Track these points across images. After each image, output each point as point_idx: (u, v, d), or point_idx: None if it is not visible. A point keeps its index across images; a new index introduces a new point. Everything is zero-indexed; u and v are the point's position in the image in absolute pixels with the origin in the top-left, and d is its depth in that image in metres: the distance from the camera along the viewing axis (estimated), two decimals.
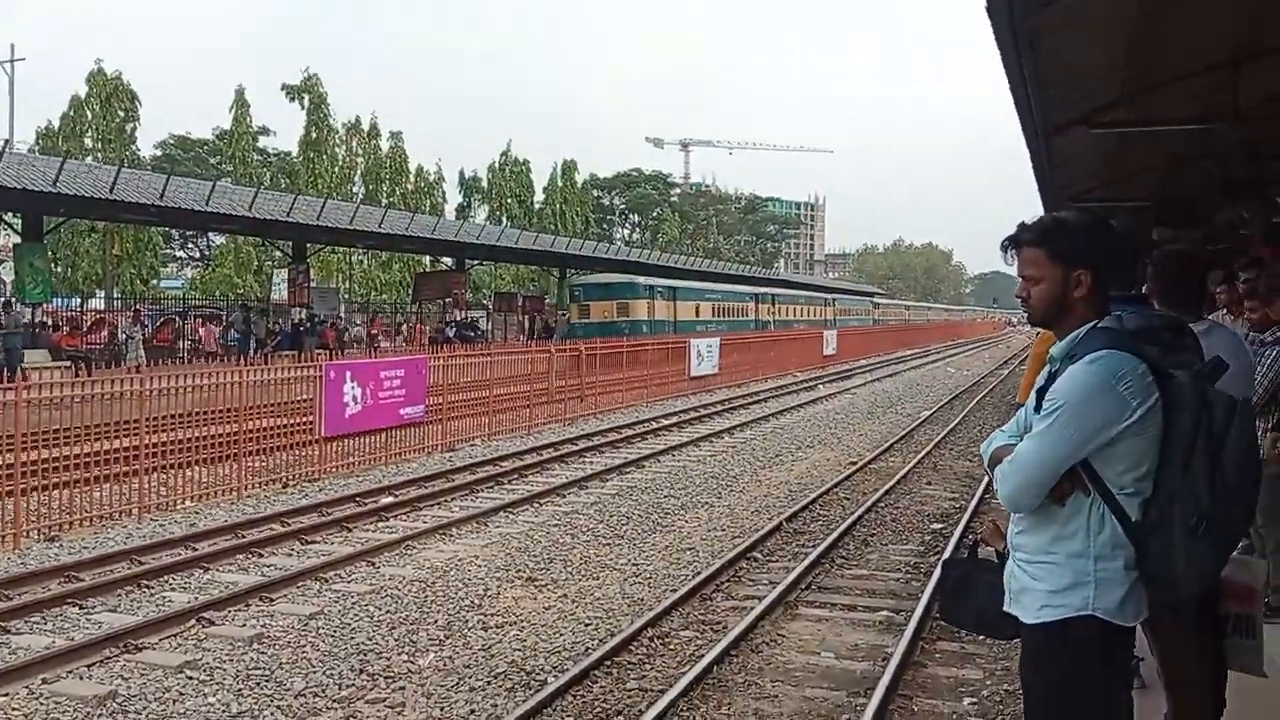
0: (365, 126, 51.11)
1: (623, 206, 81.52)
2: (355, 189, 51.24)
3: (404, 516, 11.37)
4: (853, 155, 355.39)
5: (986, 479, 12.71)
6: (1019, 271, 2.62)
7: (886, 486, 12.89)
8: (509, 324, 41.92)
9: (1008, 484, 2.53)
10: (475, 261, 44.05)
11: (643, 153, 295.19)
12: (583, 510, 11.75)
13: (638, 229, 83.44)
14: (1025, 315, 2.77)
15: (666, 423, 20.44)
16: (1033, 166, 12.26)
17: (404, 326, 37.95)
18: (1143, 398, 2.39)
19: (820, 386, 30.59)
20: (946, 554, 8.97)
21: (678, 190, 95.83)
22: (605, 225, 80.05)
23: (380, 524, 11.01)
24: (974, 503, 11.61)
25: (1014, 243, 2.63)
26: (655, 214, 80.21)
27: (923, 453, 16.11)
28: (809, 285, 67.94)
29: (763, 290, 48.53)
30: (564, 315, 39.75)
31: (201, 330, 28.82)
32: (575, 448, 16.76)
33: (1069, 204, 15.32)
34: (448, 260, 41.78)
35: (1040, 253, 2.56)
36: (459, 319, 37.56)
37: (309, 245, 32.45)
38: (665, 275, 42.98)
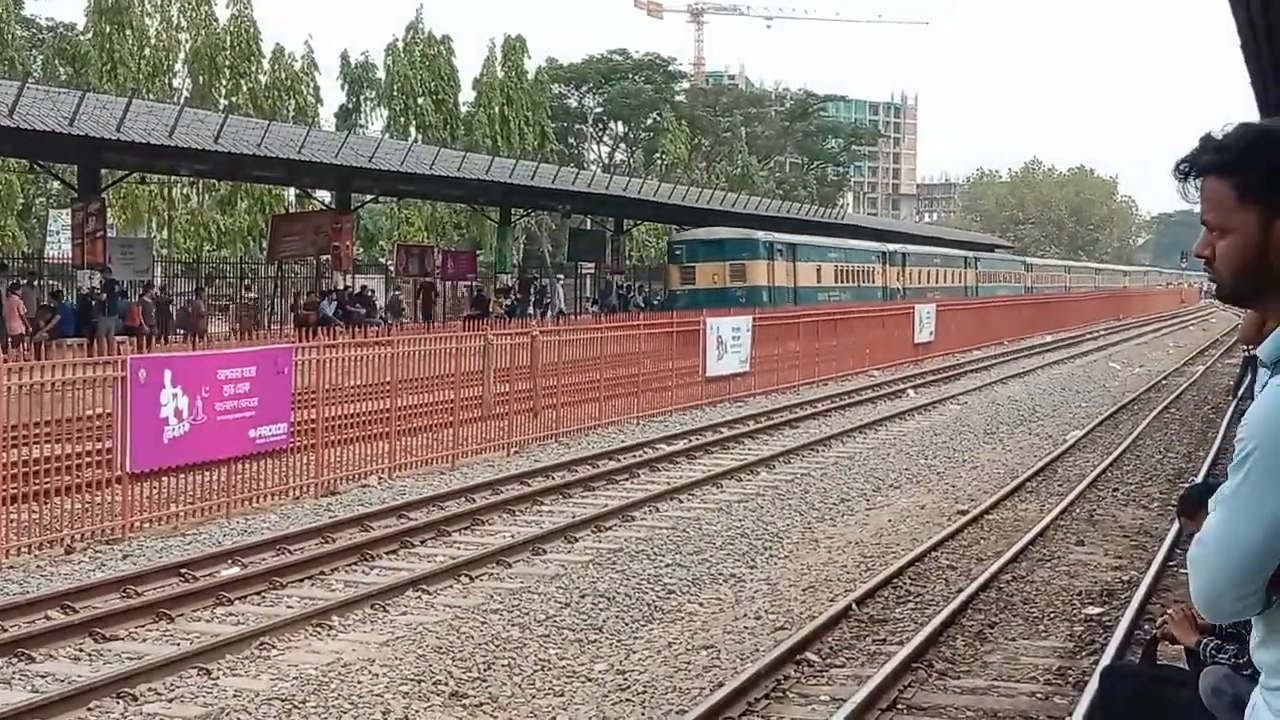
0: None
1: (599, 110, 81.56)
2: (178, 81, 50.99)
3: (257, 598, 11.31)
4: (959, 31, 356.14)
5: (1171, 535, 12.76)
6: (1201, 216, 2.56)
7: (1015, 549, 12.89)
8: (426, 295, 41.88)
9: (1196, 578, 2.48)
10: (368, 198, 44.03)
11: (631, 26, 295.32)
12: (538, 587, 11.71)
13: (623, 145, 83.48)
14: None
15: (669, 449, 20.45)
16: (1240, 45, 12.30)
17: (254, 298, 37.87)
18: None
19: (910, 392, 30.68)
20: (1108, 657, 8.99)
21: (686, 84, 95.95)
22: (572, 140, 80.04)
23: (220, 610, 10.97)
24: (1151, 574, 11.65)
25: (1190, 168, 2.55)
26: (650, 122, 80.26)
27: (1070, 496, 16.16)
28: (944, 240, 74.00)
29: (892, 248, 55.34)
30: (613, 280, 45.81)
31: None
32: (526, 488, 16.71)
33: None
34: (323, 196, 41.72)
35: (1224, 186, 2.44)
36: (342, 287, 37.46)
37: (105, 173, 32.30)
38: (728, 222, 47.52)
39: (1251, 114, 17.62)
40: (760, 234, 44.13)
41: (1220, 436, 20.87)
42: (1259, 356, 2.48)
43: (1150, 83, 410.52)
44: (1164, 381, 34.40)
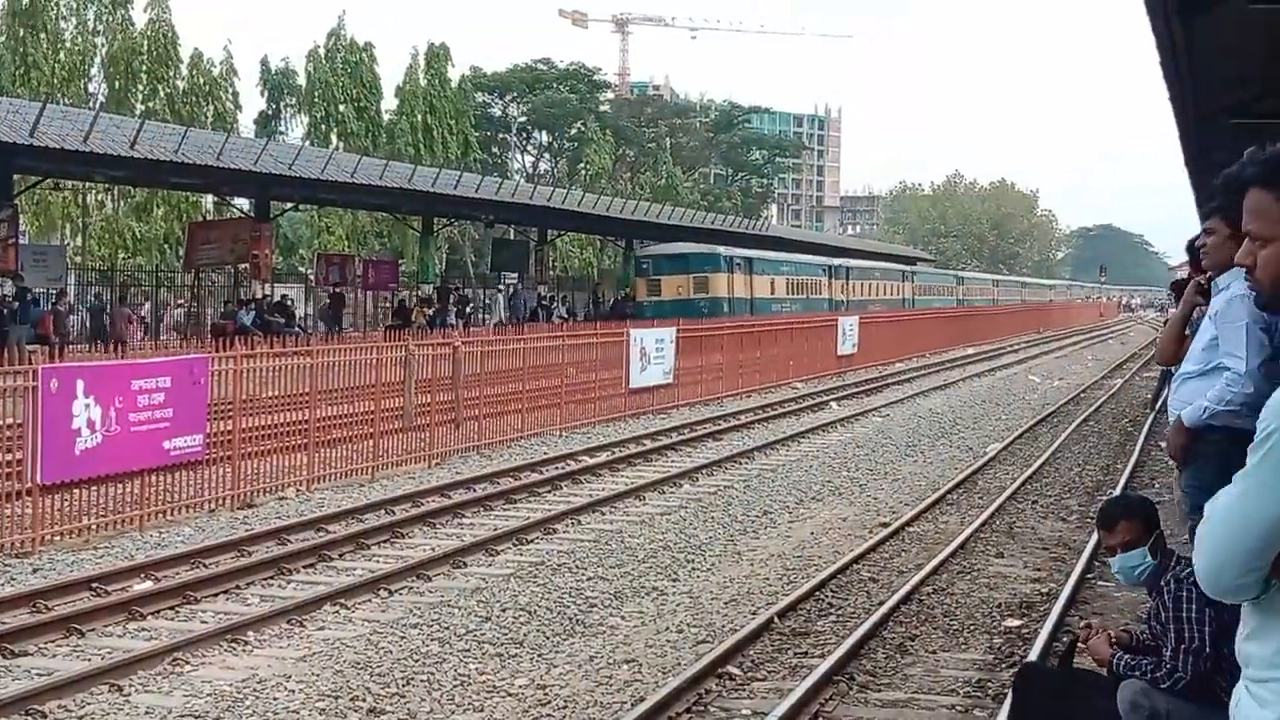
0: None
1: (523, 120, 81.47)
2: (94, 86, 50.39)
3: (170, 613, 11.18)
4: (883, 45, 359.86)
5: (1089, 547, 12.91)
6: (1244, 225, 2.66)
7: (935, 561, 12.96)
8: (336, 305, 41.61)
9: (1202, 554, 2.54)
10: (288, 206, 43.69)
11: (556, 35, 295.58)
12: (459, 601, 11.66)
13: (547, 154, 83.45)
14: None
15: (592, 461, 20.44)
16: (1160, 63, 12.51)
17: (169, 306, 37.45)
18: None
19: (833, 404, 30.86)
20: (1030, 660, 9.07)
21: (611, 95, 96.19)
22: (496, 148, 79.90)
23: (132, 625, 10.82)
24: (1070, 586, 11.77)
25: (1235, 183, 2.67)
26: (575, 132, 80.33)
27: (990, 509, 16.30)
28: (883, 255, 79.30)
29: (836, 262, 59.38)
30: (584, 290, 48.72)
31: None
32: (447, 500, 16.65)
33: (1215, 120, 15.67)
34: (242, 203, 41.35)
35: (1269, 198, 2.59)
36: (260, 296, 37.16)
37: (18, 179, 31.82)
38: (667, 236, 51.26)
39: (1171, 133, 17.95)
40: (722, 249, 47.86)
41: (1138, 449, 21.18)
42: None
43: (1070, 99, 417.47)
44: (1083, 394, 34.83)
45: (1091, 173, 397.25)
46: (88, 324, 34.55)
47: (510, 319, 44.22)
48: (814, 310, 48.39)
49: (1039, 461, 20.69)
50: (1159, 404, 20.06)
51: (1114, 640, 5.82)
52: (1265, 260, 2.60)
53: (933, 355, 50.99)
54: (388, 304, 47.14)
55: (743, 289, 47.19)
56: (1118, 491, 16.48)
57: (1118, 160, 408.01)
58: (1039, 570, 13.04)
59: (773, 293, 49.71)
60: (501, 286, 51.06)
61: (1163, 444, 10.15)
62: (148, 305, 38.94)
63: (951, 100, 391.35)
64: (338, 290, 42.31)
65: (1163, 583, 5.65)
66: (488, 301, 52.86)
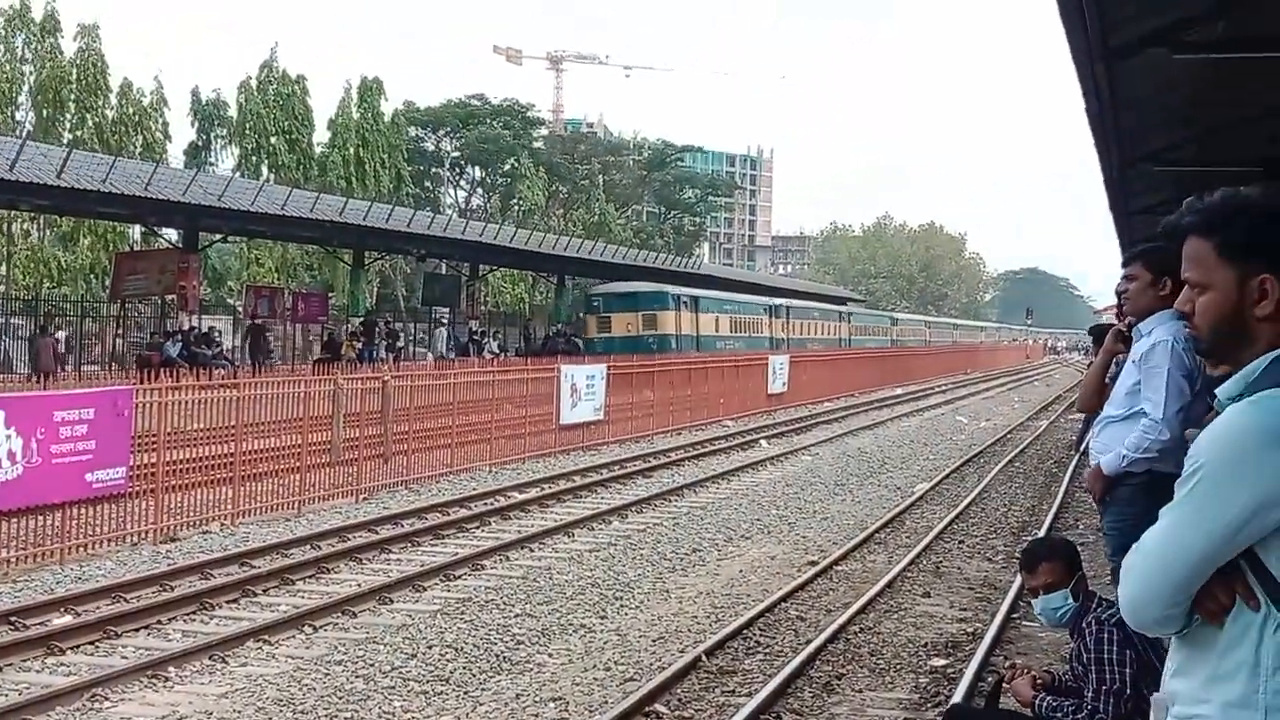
0: (37, 17, 49.93)
1: (456, 155, 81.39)
2: (21, 114, 49.84)
3: (90, 648, 11.05)
4: (815, 86, 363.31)
5: (1015, 588, 13.03)
6: (1183, 273, 2.73)
7: (863, 600, 13.04)
8: (255, 338, 41.17)
9: (1128, 587, 2.59)
10: (216, 238, 43.35)
11: (490, 72, 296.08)
12: (384, 637, 11.61)
13: (480, 190, 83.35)
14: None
15: (521, 497, 20.41)
16: (1086, 109, 12.72)
17: (91, 338, 36.98)
18: None
19: (763, 443, 30.98)
20: (955, 701, 9.13)
21: (544, 131, 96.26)
22: (429, 183, 79.71)
23: (50, 659, 10.70)
24: (995, 626, 11.87)
25: (1174, 231, 2.75)
26: (508, 167, 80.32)
27: (918, 548, 16.42)
28: (819, 296, 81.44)
29: (777, 302, 61.52)
30: (561, 326, 49.82)
31: None
32: (374, 536, 16.58)
33: (1139, 167, 15.95)
34: (170, 234, 40.95)
35: (1206, 246, 2.67)
36: (187, 327, 36.76)
37: None
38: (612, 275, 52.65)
39: (1096, 176, 18.23)
40: (670, 288, 49.78)
41: (1063, 491, 21.42)
42: (1219, 399, 2.64)
43: (999, 144, 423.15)
44: (1009, 435, 35.19)
45: (1019, 216, 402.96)
46: (12, 354, 34.05)
47: (446, 353, 44.10)
48: (756, 348, 50.16)
49: (966, 501, 20.87)
50: (1083, 446, 20.31)
51: (1037, 681, 5.88)
52: (1203, 307, 2.67)
53: (862, 395, 51.37)
54: (314, 337, 46.81)
55: (689, 326, 49.01)
56: (1042, 533, 16.68)
57: (1044, 204, 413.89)
58: (965, 610, 13.15)
59: (717, 330, 51.56)
60: (444, 321, 50.86)
61: (1085, 486, 10.30)
62: (61, 335, 38.38)
63: (882, 142, 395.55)
64: (257, 322, 41.97)
65: (1084, 624, 5.72)
66: (423, 336, 52.57)
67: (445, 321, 51.18)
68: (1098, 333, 10.49)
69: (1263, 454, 2.43)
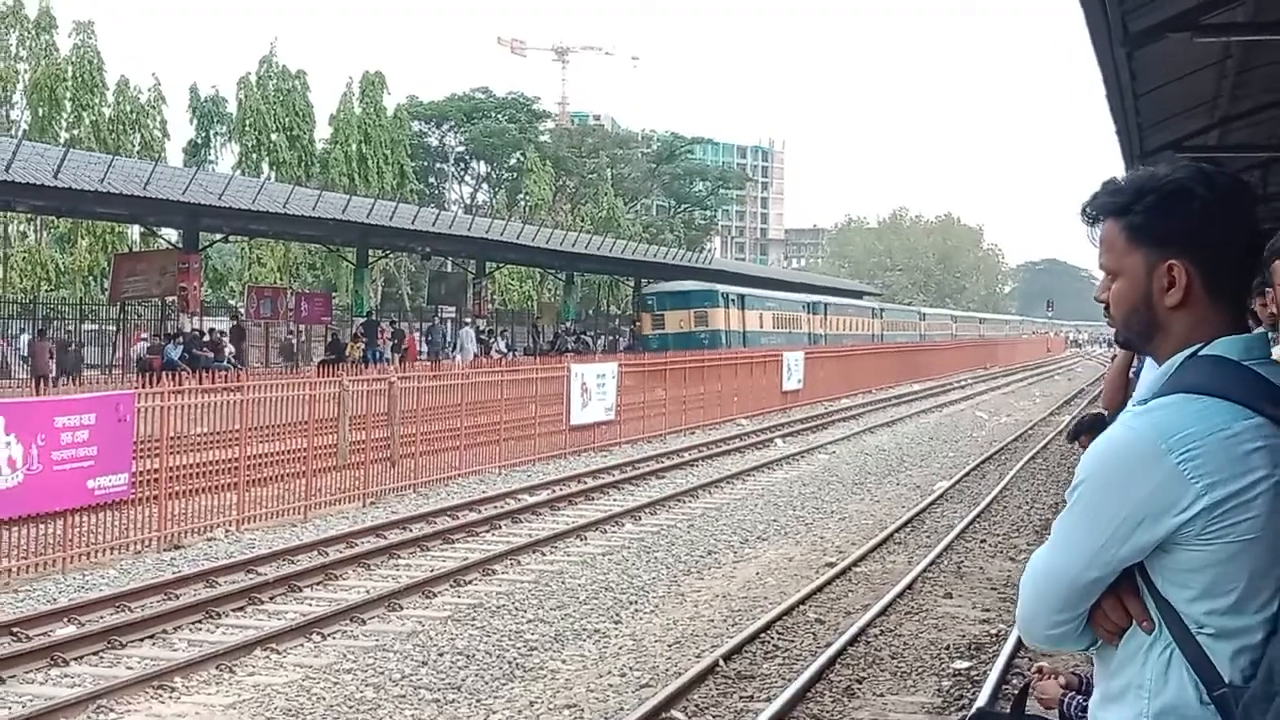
0: (32, 14, 50.05)
1: (461, 150, 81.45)
2: (16, 113, 49.97)
3: (94, 659, 11.05)
4: (829, 80, 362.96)
5: None
6: (1098, 259, 2.58)
7: (883, 602, 13.03)
8: (235, 338, 41.27)
9: (1019, 602, 2.54)
10: (217, 237, 43.43)
11: (495, 64, 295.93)
12: (394, 645, 11.60)
13: (485, 185, 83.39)
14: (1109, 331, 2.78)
15: (532, 500, 20.40)
16: (1106, 95, 12.68)
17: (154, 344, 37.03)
18: (1223, 477, 2.30)
19: (778, 442, 30.94)
20: (979, 706, 9.10)
21: (551, 124, 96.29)
22: (433, 178, 79.77)
23: (54, 671, 10.70)
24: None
25: (1091, 212, 2.57)
26: (514, 162, 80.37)
27: (938, 548, 16.41)
28: (851, 292, 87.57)
29: (814, 299, 65.85)
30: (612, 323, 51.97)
31: None
32: (382, 541, 16.56)
33: (1163, 154, 15.90)
34: (170, 234, 41.06)
35: (1117, 229, 2.49)
36: (189, 330, 36.84)
37: None
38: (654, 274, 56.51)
39: (1118, 166, 18.17)
40: (720, 287, 53.41)
41: None
42: (1135, 401, 2.52)
43: (1016, 133, 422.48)
44: (1030, 431, 35.14)
45: (1037, 207, 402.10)
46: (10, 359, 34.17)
47: (441, 353, 44.10)
48: (795, 343, 52.92)
49: (987, 499, 20.85)
50: None
51: (1065, 683, 5.85)
52: (1115, 296, 2.50)
53: (880, 391, 51.33)
54: (316, 339, 46.86)
55: (737, 323, 52.30)
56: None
57: (1064, 194, 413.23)
58: (988, 611, 13.13)
59: (761, 326, 54.89)
60: (468, 322, 50.81)
61: None
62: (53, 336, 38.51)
63: (897, 134, 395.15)
64: (236, 324, 42.05)
65: None
66: (428, 334, 52.52)
67: (468, 322, 51.15)
68: None
69: (1135, 472, 2.33)
